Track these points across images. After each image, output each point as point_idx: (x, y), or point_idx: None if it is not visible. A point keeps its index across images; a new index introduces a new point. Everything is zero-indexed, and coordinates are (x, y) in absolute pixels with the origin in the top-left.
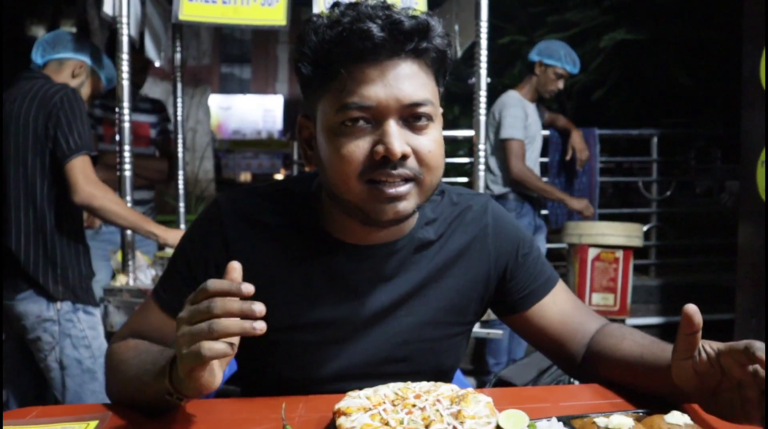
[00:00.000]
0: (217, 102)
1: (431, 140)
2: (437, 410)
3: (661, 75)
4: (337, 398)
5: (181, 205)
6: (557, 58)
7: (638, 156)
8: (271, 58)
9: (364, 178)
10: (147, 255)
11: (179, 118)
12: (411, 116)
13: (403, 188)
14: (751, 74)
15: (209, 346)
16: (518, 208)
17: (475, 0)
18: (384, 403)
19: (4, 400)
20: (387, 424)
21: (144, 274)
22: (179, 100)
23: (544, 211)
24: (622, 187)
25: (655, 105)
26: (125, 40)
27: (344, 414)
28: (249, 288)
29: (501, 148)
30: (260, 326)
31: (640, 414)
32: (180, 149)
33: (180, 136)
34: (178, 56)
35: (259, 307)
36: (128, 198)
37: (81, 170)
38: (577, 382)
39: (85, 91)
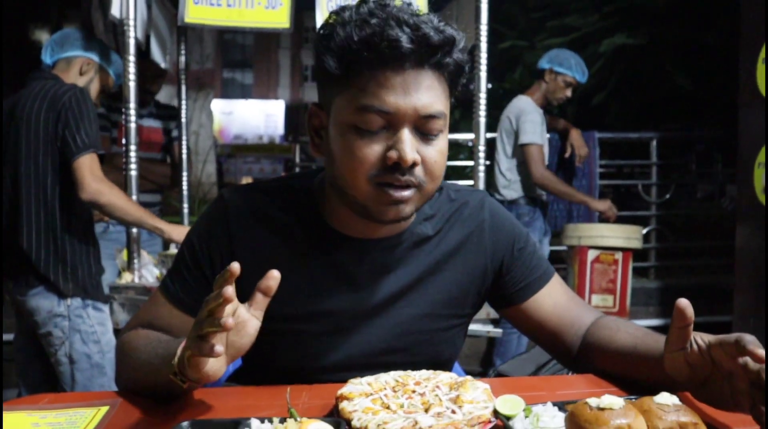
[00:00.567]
0: (219, 106)
1: (438, 151)
2: (436, 395)
3: (660, 79)
4: (340, 386)
5: (185, 207)
6: (568, 67)
7: (638, 159)
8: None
9: (373, 180)
10: (152, 254)
11: (183, 121)
12: (424, 126)
13: (406, 193)
14: (747, 76)
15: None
16: (530, 214)
17: (476, 4)
18: (385, 389)
19: (15, 397)
20: (388, 407)
21: (149, 272)
22: (183, 103)
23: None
24: (621, 191)
25: (654, 109)
26: (132, 42)
27: (347, 399)
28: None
29: (520, 153)
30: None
31: (633, 399)
32: (185, 152)
33: (184, 139)
34: (182, 59)
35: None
36: (134, 198)
37: (88, 168)
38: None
39: (94, 88)
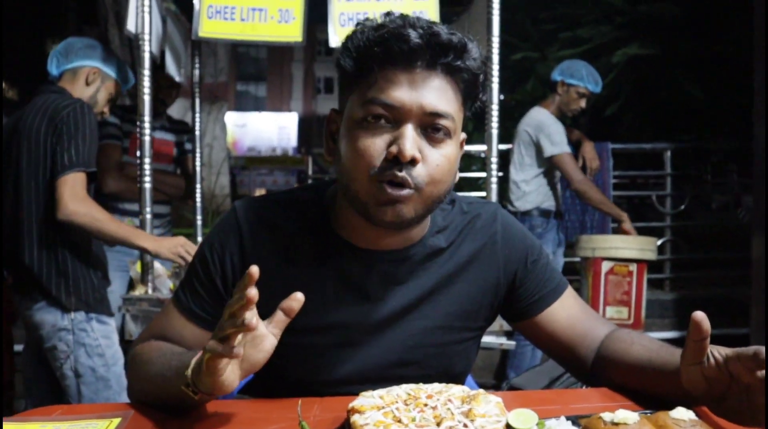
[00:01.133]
0: (232, 119)
1: (442, 155)
2: (448, 409)
3: (673, 89)
4: (351, 399)
5: (199, 218)
6: (579, 78)
7: (652, 170)
8: (286, 76)
9: (375, 178)
10: (165, 266)
11: (197, 134)
12: (430, 126)
13: (402, 192)
14: (761, 86)
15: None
16: (543, 225)
17: (487, 16)
18: (397, 402)
19: (23, 407)
20: (399, 421)
21: (162, 284)
22: (197, 116)
23: None
24: (636, 202)
25: (668, 119)
26: (147, 56)
27: (358, 412)
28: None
29: (548, 164)
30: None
31: (648, 414)
32: (198, 164)
33: (198, 151)
34: (196, 73)
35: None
36: (147, 209)
37: (70, 187)
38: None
39: (102, 97)
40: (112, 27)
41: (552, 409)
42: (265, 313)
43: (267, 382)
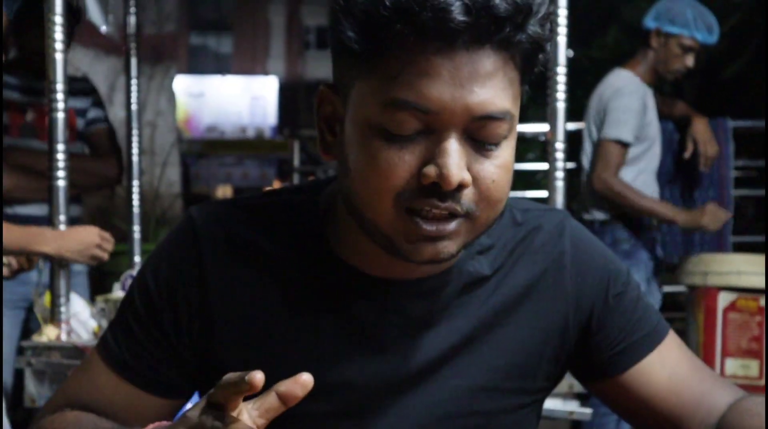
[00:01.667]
0: (185, 86)
1: (499, 167)
2: None
3: None
4: None
5: (136, 230)
6: (683, 24)
7: None
8: (261, 24)
9: (401, 205)
10: (85, 295)
11: (133, 108)
12: (480, 132)
13: (449, 227)
14: None
15: None
16: (631, 240)
17: None
18: None
19: None
20: None
21: (82, 326)
22: (133, 81)
23: None
24: (767, 204)
25: None
26: None
27: None
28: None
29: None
30: None
31: None
32: (135, 152)
33: (135, 132)
34: (132, 20)
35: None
36: (62, 217)
37: None
38: None
39: None
40: None
41: None
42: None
43: None
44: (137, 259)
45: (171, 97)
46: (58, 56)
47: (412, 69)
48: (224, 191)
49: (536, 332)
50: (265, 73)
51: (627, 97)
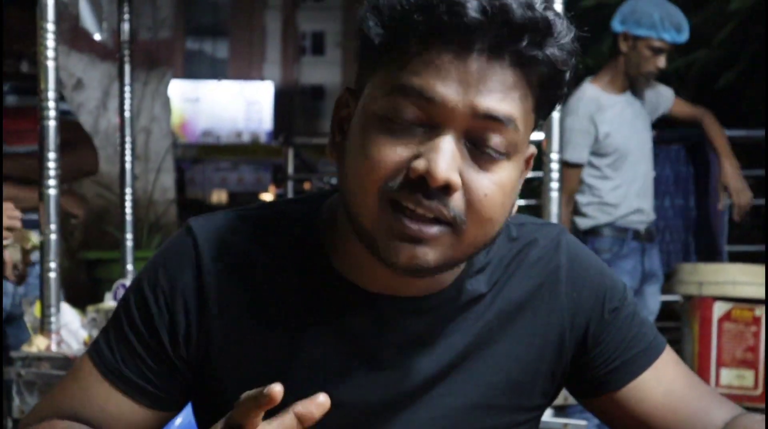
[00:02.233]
0: (180, 91)
1: (495, 183)
2: None
3: None
4: None
5: (128, 238)
6: (650, 26)
7: None
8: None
9: (386, 196)
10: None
11: (127, 114)
12: (481, 138)
13: (430, 230)
14: None
15: None
16: (614, 248)
17: None
18: None
19: None
20: None
21: (73, 336)
22: (127, 88)
23: None
24: (762, 214)
25: None
26: (51, 2)
27: None
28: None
29: (617, 156)
30: None
31: None
32: (128, 159)
33: (128, 139)
34: (125, 27)
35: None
36: (52, 226)
37: None
38: None
39: None
40: None
41: None
42: (234, 394)
43: None
44: (130, 267)
45: (166, 103)
46: (50, 64)
47: (421, 60)
48: (219, 196)
49: (532, 348)
50: (261, 78)
51: (571, 117)
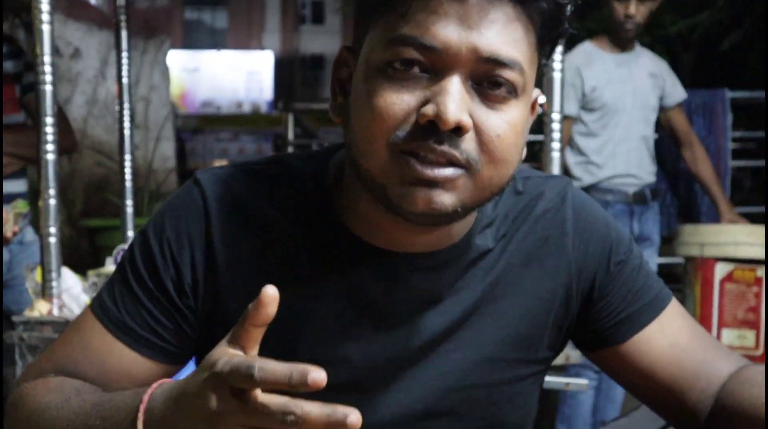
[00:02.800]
0: (179, 61)
1: (505, 121)
2: None
3: None
4: None
5: (129, 204)
6: None
7: None
8: None
9: (395, 147)
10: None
11: (125, 83)
12: (487, 78)
13: (445, 172)
14: None
15: None
16: (611, 208)
17: None
18: None
19: None
20: None
21: (74, 300)
22: (124, 55)
23: None
24: (764, 176)
25: None
26: None
27: None
28: (320, 375)
29: (605, 117)
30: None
31: None
32: (127, 127)
33: (127, 108)
34: None
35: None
36: (51, 191)
37: None
38: None
39: None
40: None
41: None
42: None
43: None
44: (130, 233)
45: (165, 72)
46: (45, 28)
47: (419, 7)
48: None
49: (539, 300)
50: (261, 47)
51: (567, 72)
